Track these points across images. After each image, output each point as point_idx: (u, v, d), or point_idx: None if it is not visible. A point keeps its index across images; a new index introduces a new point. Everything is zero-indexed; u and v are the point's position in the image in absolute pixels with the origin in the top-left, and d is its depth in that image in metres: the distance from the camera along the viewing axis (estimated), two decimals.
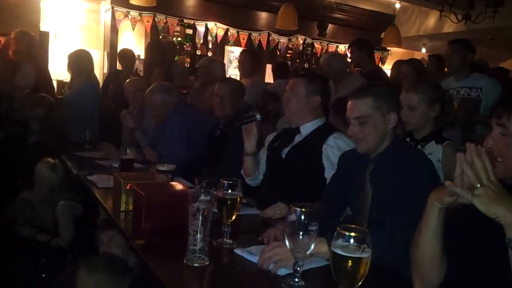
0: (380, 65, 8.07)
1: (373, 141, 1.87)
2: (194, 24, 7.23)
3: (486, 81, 3.62)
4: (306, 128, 2.46)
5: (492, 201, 1.12)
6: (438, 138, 2.48)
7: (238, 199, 1.72)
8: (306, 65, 8.22)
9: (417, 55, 8.95)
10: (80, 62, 4.62)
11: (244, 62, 4.88)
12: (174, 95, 3.58)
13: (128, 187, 2.04)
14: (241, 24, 7.48)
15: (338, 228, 1.20)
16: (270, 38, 7.69)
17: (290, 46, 8.05)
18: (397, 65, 4.88)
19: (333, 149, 2.29)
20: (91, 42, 7.04)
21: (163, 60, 4.79)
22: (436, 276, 1.36)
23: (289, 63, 7.72)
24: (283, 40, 7.86)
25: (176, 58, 7.02)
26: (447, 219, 1.32)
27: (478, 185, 1.13)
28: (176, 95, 3.65)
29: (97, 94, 4.82)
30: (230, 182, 1.71)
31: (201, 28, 7.21)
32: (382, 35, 7.75)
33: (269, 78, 6.86)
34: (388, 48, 8.37)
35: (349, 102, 1.92)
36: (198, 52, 7.43)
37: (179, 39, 7.36)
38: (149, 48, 5.12)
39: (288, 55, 8.14)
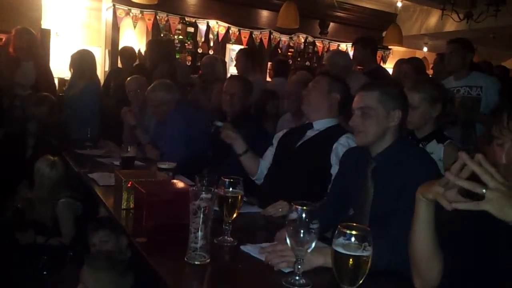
0: (381, 63, 8.06)
1: (372, 135, 1.86)
2: (195, 22, 7.23)
3: (486, 80, 3.62)
4: (320, 124, 2.50)
5: (503, 202, 1.06)
6: (439, 137, 2.47)
7: (239, 197, 1.72)
8: (307, 64, 8.21)
9: (418, 54, 8.95)
10: (83, 62, 4.63)
11: (240, 61, 4.88)
12: (175, 93, 3.58)
13: (129, 185, 2.04)
14: (242, 22, 7.47)
15: (339, 227, 1.20)
16: (272, 36, 7.68)
17: (291, 44, 8.04)
18: (398, 64, 4.87)
19: (343, 148, 2.32)
20: (92, 40, 7.04)
21: (166, 58, 4.79)
22: (433, 272, 1.36)
23: (290, 61, 7.71)
24: (284, 38, 7.85)
25: (177, 56, 7.03)
26: (447, 219, 1.33)
27: (484, 190, 1.07)
28: (177, 93, 3.65)
29: (99, 92, 4.82)
30: (231, 180, 1.72)
31: (202, 26, 7.21)
32: (384, 33, 7.73)
33: (270, 76, 6.87)
34: (389, 46, 8.36)
35: (357, 95, 1.94)
36: (200, 50, 7.43)
37: (180, 37, 7.36)
38: (150, 46, 5.11)
39: (289, 53, 8.13)
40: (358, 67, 4.96)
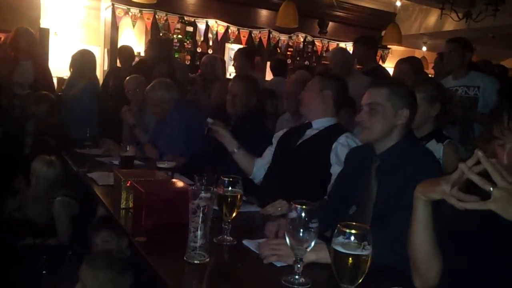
0: (380, 63, 8.06)
1: (378, 132, 1.86)
2: (194, 21, 7.22)
3: (484, 80, 3.62)
4: (318, 123, 2.51)
5: (510, 202, 1.07)
6: (438, 136, 2.48)
7: (239, 196, 1.72)
8: (306, 63, 8.21)
9: (417, 53, 8.94)
10: (83, 62, 4.62)
11: (238, 61, 4.87)
12: (174, 92, 3.58)
13: (128, 184, 2.04)
14: (241, 22, 7.47)
15: (339, 225, 1.20)
16: (271, 35, 7.68)
17: (290, 44, 8.04)
18: (398, 64, 4.88)
19: (343, 147, 2.32)
20: (91, 39, 7.03)
21: (166, 57, 4.79)
22: (432, 271, 1.36)
23: (289, 60, 7.71)
24: (283, 37, 7.85)
25: (176, 56, 7.02)
26: (448, 218, 1.33)
27: (491, 189, 1.08)
28: (177, 92, 3.64)
29: (98, 92, 4.82)
30: (231, 179, 1.72)
31: (201, 25, 7.20)
32: (383, 33, 7.73)
33: (270, 75, 6.86)
34: (388, 46, 8.36)
35: (366, 91, 1.95)
36: (199, 50, 7.43)
37: (179, 36, 7.35)
38: (150, 45, 5.11)
39: (288, 53, 8.13)
40: (357, 66, 4.96)
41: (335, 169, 2.28)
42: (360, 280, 1.21)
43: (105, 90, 5.04)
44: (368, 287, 1.25)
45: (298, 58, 8.30)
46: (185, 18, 7.21)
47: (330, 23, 8.14)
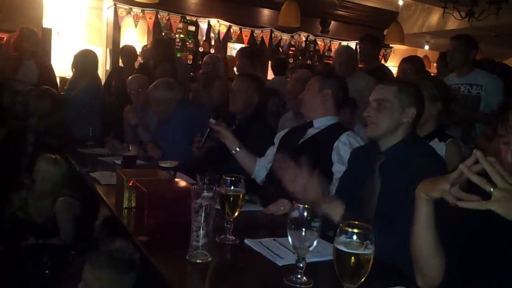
0: (382, 61, 8.05)
1: (384, 128, 1.87)
2: (196, 21, 7.23)
3: (487, 78, 3.60)
4: (319, 122, 2.51)
5: (510, 203, 1.08)
6: (441, 135, 2.47)
7: (241, 196, 1.72)
8: (308, 62, 8.20)
9: (420, 52, 8.94)
10: (85, 62, 4.63)
11: (240, 60, 4.87)
12: (177, 92, 3.58)
13: (130, 184, 2.04)
14: (243, 21, 7.48)
15: (341, 225, 1.20)
16: (273, 35, 7.68)
17: (292, 43, 8.04)
18: (400, 63, 4.89)
19: (344, 146, 2.33)
20: (93, 39, 7.05)
21: (169, 57, 4.80)
22: (435, 270, 1.36)
23: (291, 60, 7.71)
24: (285, 37, 7.85)
25: (178, 55, 7.03)
26: (448, 218, 1.32)
27: (491, 189, 1.09)
28: (179, 91, 3.65)
29: (100, 92, 4.83)
30: (233, 178, 1.72)
31: (203, 25, 7.21)
32: (385, 32, 7.73)
33: (272, 75, 6.86)
34: (391, 45, 8.35)
35: (375, 87, 1.96)
36: (201, 49, 7.44)
37: (181, 35, 7.36)
38: (154, 45, 5.10)
39: (290, 52, 8.13)
40: (360, 64, 4.96)
41: (337, 168, 2.28)
42: (363, 279, 1.21)
43: (107, 90, 5.04)
44: (370, 287, 1.25)
45: (300, 57, 8.30)
46: (187, 18, 7.22)
47: (332, 22, 8.14)
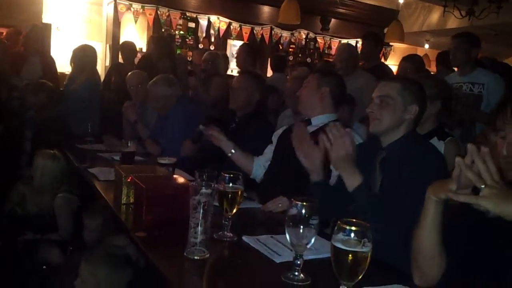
0: (382, 60, 8.05)
1: (387, 124, 1.88)
2: (196, 17, 7.22)
3: (489, 77, 3.58)
4: (317, 120, 2.50)
5: (499, 199, 1.11)
6: (440, 134, 2.47)
7: (239, 193, 1.72)
8: (308, 60, 8.20)
9: (420, 51, 8.92)
10: (84, 57, 4.62)
11: (241, 56, 4.87)
12: (176, 88, 3.58)
13: (129, 180, 2.04)
14: (243, 18, 7.47)
15: (338, 222, 1.20)
16: (273, 32, 7.68)
17: (292, 40, 8.03)
18: (400, 62, 4.89)
19: None
20: (93, 35, 7.04)
21: (169, 53, 4.79)
22: (435, 270, 1.36)
23: (291, 57, 7.70)
24: (285, 34, 7.85)
25: (178, 52, 7.02)
26: (449, 217, 1.32)
27: (482, 186, 1.12)
28: (179, 88, 3.64)
29: (98, 87, 4.82)
30: (231, 175, 1.72)
31: (203, 21, 7.20)
32: (385, 30, 7.72)
33: (271, 72, 6.86)
34: (391, 43, 8.34)
35: (379, 84, 1.98)
36: (201, 46, 7.43)
37: (181, 32, 7.35)
38: (155, 42, 5.09)
39: (290, 49, 8.12)
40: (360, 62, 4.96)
41: None
42: (360, 277, 1.21)
43: (107, 86, 5.04)
44: (367, 284, 1.25)
45: (300, 55, 8.29)
46: (187, 14, 7.21)
47: (333, 20, 8.13)
